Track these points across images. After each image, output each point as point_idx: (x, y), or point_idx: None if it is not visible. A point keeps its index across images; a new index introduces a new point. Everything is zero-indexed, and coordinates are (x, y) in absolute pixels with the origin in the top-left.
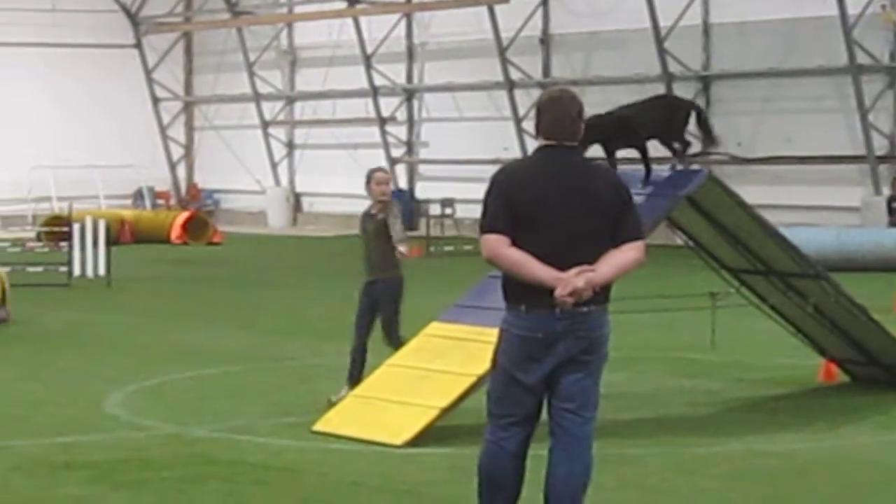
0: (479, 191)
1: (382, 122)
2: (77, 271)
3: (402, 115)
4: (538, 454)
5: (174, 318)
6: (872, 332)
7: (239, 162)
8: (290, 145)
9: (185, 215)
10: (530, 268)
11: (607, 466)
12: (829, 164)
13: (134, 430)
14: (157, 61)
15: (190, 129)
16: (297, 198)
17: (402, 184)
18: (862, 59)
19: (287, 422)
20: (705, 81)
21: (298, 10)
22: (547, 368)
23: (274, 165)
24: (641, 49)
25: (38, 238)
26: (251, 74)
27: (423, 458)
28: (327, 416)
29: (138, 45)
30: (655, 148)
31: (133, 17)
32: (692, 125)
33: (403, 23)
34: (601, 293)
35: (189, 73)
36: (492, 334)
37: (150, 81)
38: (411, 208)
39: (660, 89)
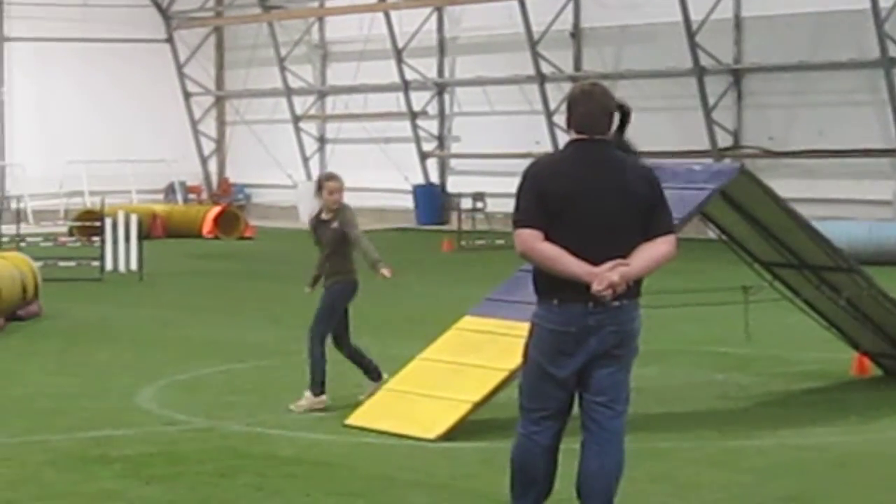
0: (511, 185)
1: (414, 116)
2: (109, 266)
3: (433, 109)
4: (570, 448)
5: (206, 313)
6: None
7: (270, 156)
8: (322, 140)
9: (216, 210)
10: (564, 262)
11: (639, 460)
12: (862, 157)
13: (166, 424)
14: (189, 56)
15: (221, 123)
16: None
17: (434, 178)
18: (894, 52)
19: (319, 415)
20: (736, 75)
21: (329, 4)
22: (579, 362)
23: (305, 160)
24: (672, 42)
25: (71, 233)
26: (282, 69)
27: (456, 452)
28: (360, 410)
29: (170, 40)
30: (683, 142)
31: (164, 12)
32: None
33: (434, 17)
34: (633, 287)
35: (220, 67)
36: (524, 328)
37: (182, 76)
38: (442, 202)
39: (691, 83)
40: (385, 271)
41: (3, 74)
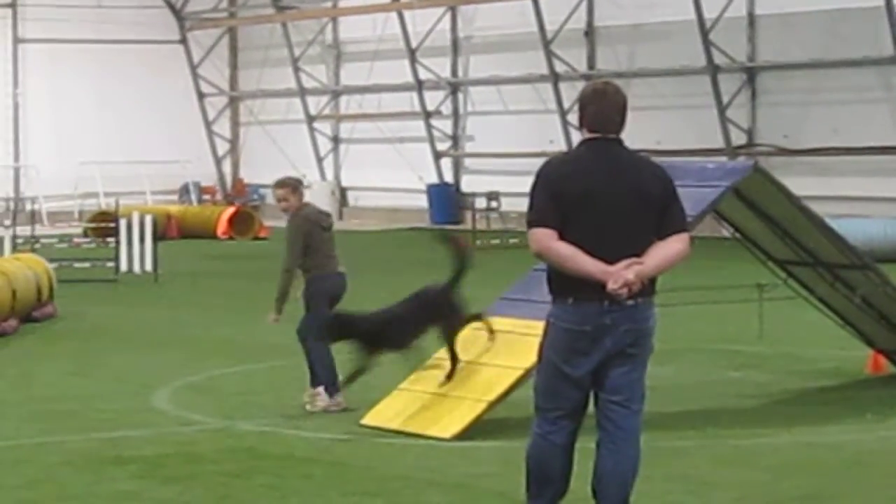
0: (525, 184)
1: (427, 115)
2: (124, 267)
3: (447, 108)
4: (586, 447)
5: (221, 313)
6: None
7: (284, 157)
8: (336, 140)
9: (231, 210)
10: (579, 261)
11: (655, 459)
12: (876, 154)
13: (182, 424)
14: (203, 57)
15: (235, 124)
16: (343, 192)
17: (448, 177)
18: None
19: (335, 416)
20: (750, 73)
21: (343, 4)
22: (594, 361)
23: (319, 160)
24: (686, 41)
25: (86, 234)
26: (296, 69)
27: (472, 452)
28: (376, 410)
29: (183, 41)
30: (697, 140)
31: (178, 13)
32: None
33: (448, 16)
34: (648, 285)
35: (234, 68)
36: (539, 327)
37: (196, 77)
38: (456, 201)
39: (705, 81)
40: (270, 317)
41: (17, 76)
